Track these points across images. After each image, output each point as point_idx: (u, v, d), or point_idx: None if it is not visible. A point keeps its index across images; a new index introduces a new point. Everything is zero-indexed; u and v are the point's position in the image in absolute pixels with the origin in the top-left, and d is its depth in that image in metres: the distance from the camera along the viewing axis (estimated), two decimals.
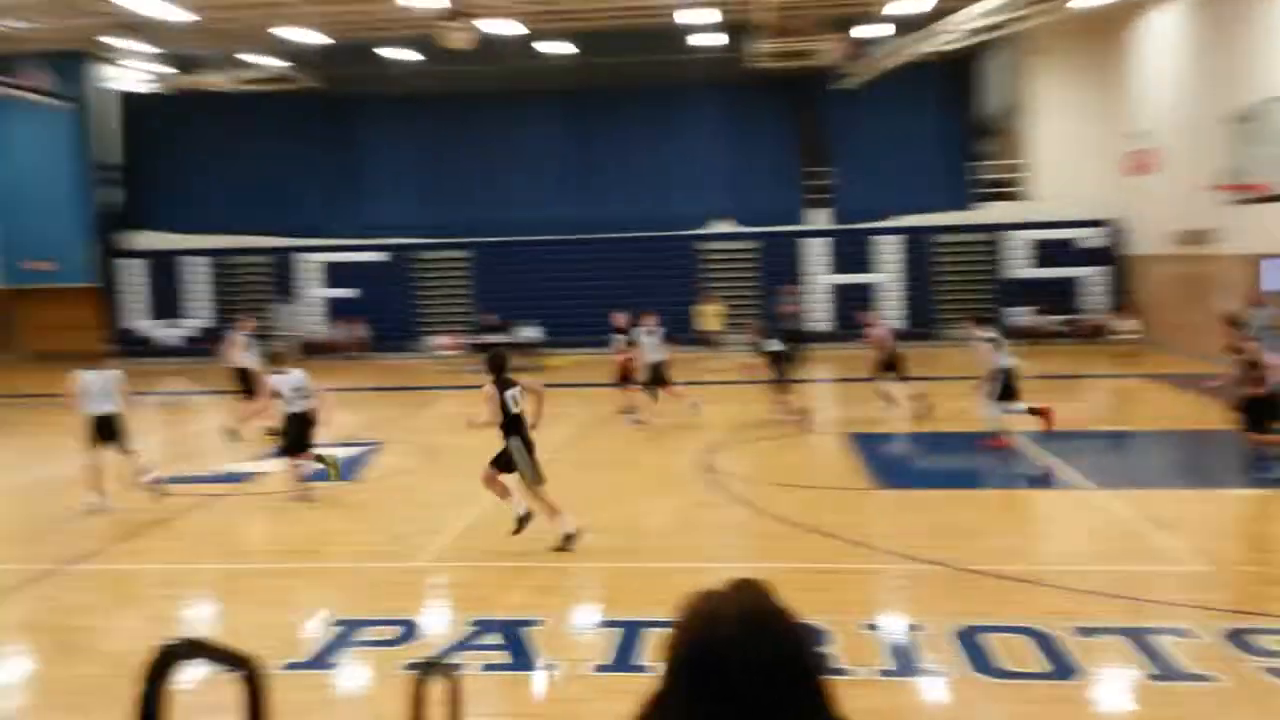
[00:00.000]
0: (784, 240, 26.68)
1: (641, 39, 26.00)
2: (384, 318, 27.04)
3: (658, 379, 15.03)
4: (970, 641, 6.19)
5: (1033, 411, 12.25)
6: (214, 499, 10.98)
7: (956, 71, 26.88)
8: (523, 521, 8.48)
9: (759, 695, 1.46)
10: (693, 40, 25.52)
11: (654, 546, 8.65)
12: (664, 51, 26.28)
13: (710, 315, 22.19)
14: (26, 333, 28.45)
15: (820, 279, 26.38)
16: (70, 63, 25.79)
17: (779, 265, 25.93)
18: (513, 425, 8.77)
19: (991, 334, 12.77)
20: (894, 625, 6.70)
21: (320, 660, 6.25)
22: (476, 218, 27.19)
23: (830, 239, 26.65)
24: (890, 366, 15.29)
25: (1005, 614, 6.68)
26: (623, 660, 6.08)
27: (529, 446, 8.74)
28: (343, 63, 26.93)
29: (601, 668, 6.00)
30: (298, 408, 10.71)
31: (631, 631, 6.47)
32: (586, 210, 27.22)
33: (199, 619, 7.50)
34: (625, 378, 15.60)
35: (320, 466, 10.75)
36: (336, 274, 27.58)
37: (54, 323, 27.92)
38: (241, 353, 14.72)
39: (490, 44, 23.43)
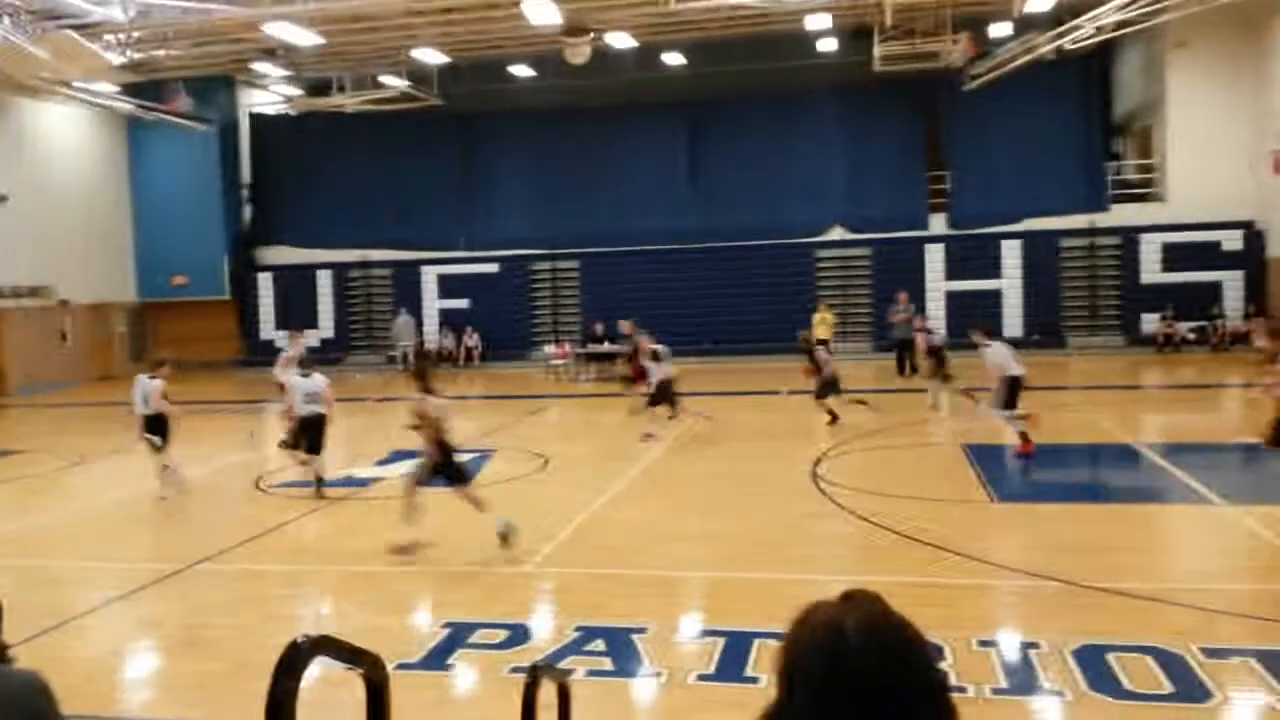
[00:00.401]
0: (901, 246, 26.14)
1: (756, 46, 25.92)
2: (496, 328, 27.61)
3: (665, 395, 14.84)
4: (1090, 661, 5.90)
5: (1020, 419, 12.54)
6: (333, 503, 11.34)
7: (1086, 68, 25.87)
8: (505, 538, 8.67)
9: (884, 710, 1.40)
10: (809, 45, 25.31)
11: (761, 556, 8.53)
12: (780, 58, 26.14)
13: (821, 324, 21.83)
14: (163, 344, 30.08)
15: (938, 286, 25.73)
16: (211, 87, 27.22)
17: (895, 272, 25.37)
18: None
19: (1000, 344, 13.16)
20: (1009, 642, 6.44)
21: (430, 661, 6.37)
22: (590, 229, 27.49)
23: (949, 244, 25.98)
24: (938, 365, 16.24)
25: (1128, 633, 6.35)
26: (727, 671, 6.01)
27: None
28: (461, 80, 27.70)
29: (704, 677, 5.94)
30: (305, 411, 11.68)
31: (736, 642, 6.39)
32: (700, 219, 27.23)
33: (316, 619, 7.75)
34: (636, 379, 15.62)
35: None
36: (451, 285, 28.28)
37: (189, 334, 29.47)
38: (284, 367, 14.12)
39: (605, 57, 23.74)
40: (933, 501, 10.35)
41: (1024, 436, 12.43)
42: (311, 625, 7.54)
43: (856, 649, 1.42)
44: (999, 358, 12.60)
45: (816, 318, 21.96)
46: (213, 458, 14.94)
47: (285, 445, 13.17)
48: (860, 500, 10.29)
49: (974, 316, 25.14)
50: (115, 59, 19.94)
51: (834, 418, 15.27)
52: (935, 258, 25.93)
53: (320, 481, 11.62)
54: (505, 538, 8.67)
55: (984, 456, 12.51)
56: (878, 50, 23.02)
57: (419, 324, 27.94)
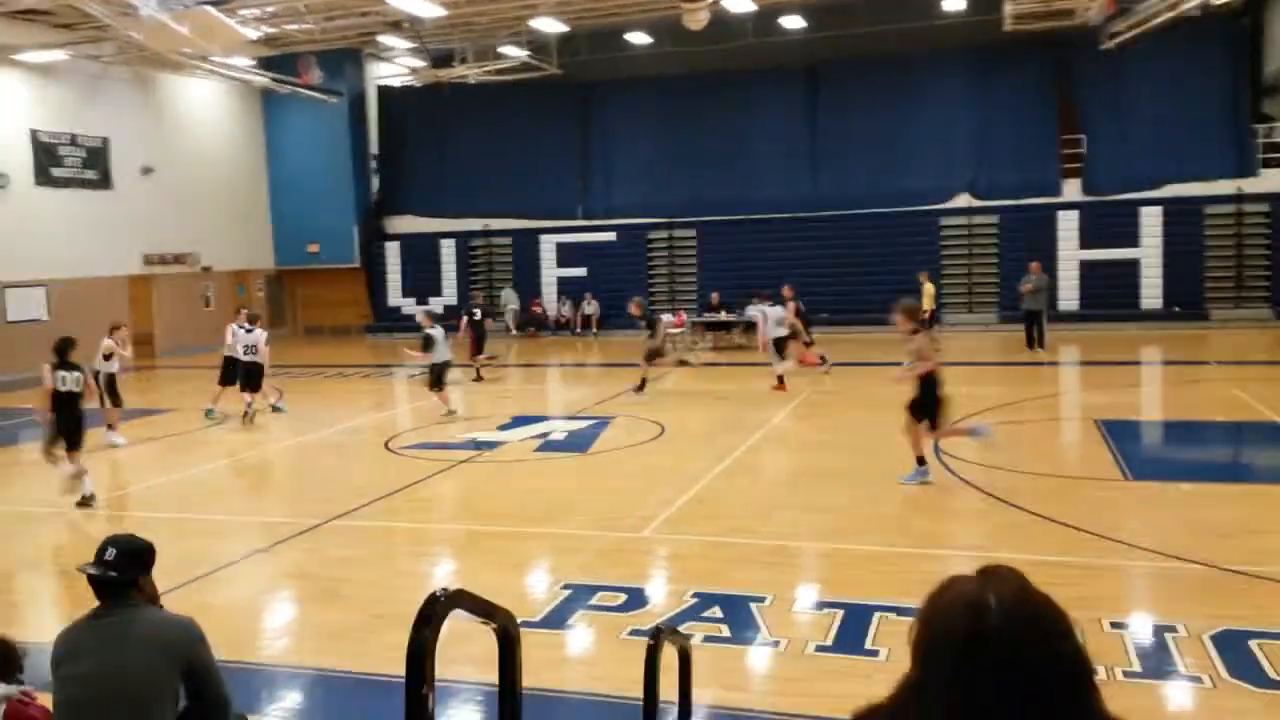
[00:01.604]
0: (1031, 214, 25.16)
1: (878, 7, 25.21)
2: (613, 296, 27.81)
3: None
4: (1231, 647, 5.62)
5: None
6: (459, 465, 11.68)
7: (1234, 25, 24.28)
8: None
9: (1029, 689, 1.36)
10: (935, 5, 24.48)
11: (881, 529, 8.41)
12: (904, 19, 25.37)
13: (928, 294, 21.18)
14: (297, 309, 31.42)
15: (1071, 255, 24.69)
16: (340, 60, 28.08)
17: (1026, 241, 24.44)
18: (62, 404, 10.29)
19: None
20: (1143, 625, 6.19)
21: (551, 620, 6.52)
22: (707, 196, 27.33)
23: (1083, 211, 24.88)
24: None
25: (1273, 619, 6.03)
26: (846, 642, 5.96)
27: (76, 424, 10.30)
28: (579, 49, 27.81)
29: (823, 648, 5.91)
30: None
31: (856, 614, 6.33)
32: (819, 187, 26.79)
33: (442, 575, 8.01)
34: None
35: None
36: (569, 254, 28.58)
37: (321, 300, 30.71)
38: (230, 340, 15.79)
39: (723, 21, 23.45)
40: (1063, 478, 10.00)
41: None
42: (441, 581, 7.81)
43: (998, 625, 1.38)
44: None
45: (924, 288, 21.28)
46: (343, 419, 15.55)
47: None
48: (986, 475, 10.02)
49: (1109, 287, 24.25)
50: (251, 34, 20.74)
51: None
52: (1068, 225, 24.87)
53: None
54: None
55: (1119, 433, 12.00)
56: (1009, 8, 22.06)
57: (530, 294, 28.45)
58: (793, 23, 25.40)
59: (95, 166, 24.44)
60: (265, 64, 26.13)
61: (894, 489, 9.71)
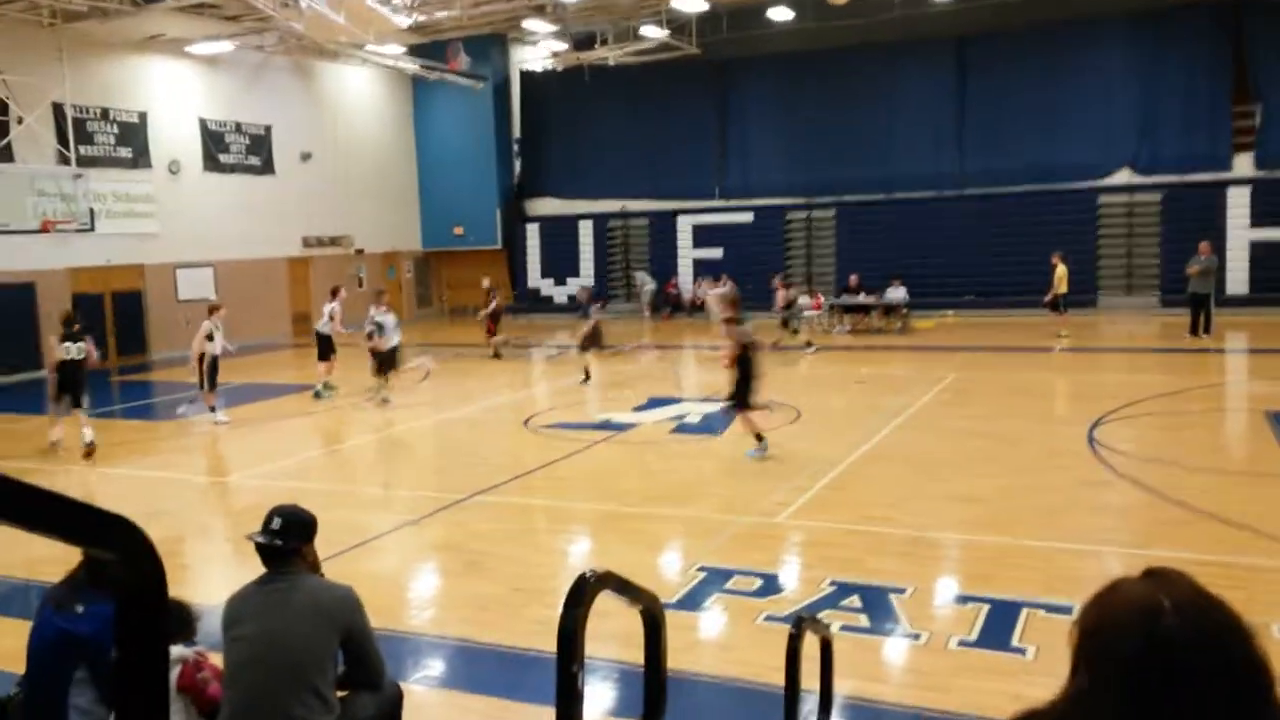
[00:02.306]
0: (1199, 190, 23.65)
1: None
2: (749, 278, 27.61)
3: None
4: None
5: None
6: (594, 445, 11.85)
7: None
8: None
9: (1208, 697, 1.29)
10: None
11: (1029, 522, 8.09)
12: None
13: (1060, 276, 20.13)
14: (442, 290, 32.45)
15: (1241, 235, 23.11)
16: (485, 45, 28.76)
17: (1190, 219, 22.99)
18: (66, 369, 11.92)
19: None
20: None
21: (686, 602, 6.55)
22: (847, 176, 26.81)
23: (1256, 188, 23.24)
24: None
25: None
26: (991, 638, 5.77)
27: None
28: (719, 27, 27.60)
29: (966, 643, 5.74)
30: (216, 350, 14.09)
31: (1003, 610, 6.13)
32: (967, 164, 25.91)
33: (579, 553, 8.16)
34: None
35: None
36: (705, 235, 28.51)
37: (465, 281, 31.61)
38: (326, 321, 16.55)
39: None
40: (1229, 474, 9.41)
41: None
42: (578, 558, 7.97)
43: (1176, 631, 1.31)
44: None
45: (1057, 269, 20.24)
46: (483, 397, 15.99)
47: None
48: (1145, 469, 9.52)
49: None
50: (403, 21, 21.44)
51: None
52: (1239, 202, 23.28)
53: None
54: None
55: None
56: None
57: (666, 275, 28.54)
58: None
59: (258, 153, 25.80)
60: (415, 51, 26.99)
61: (1044, 480, 9.35)
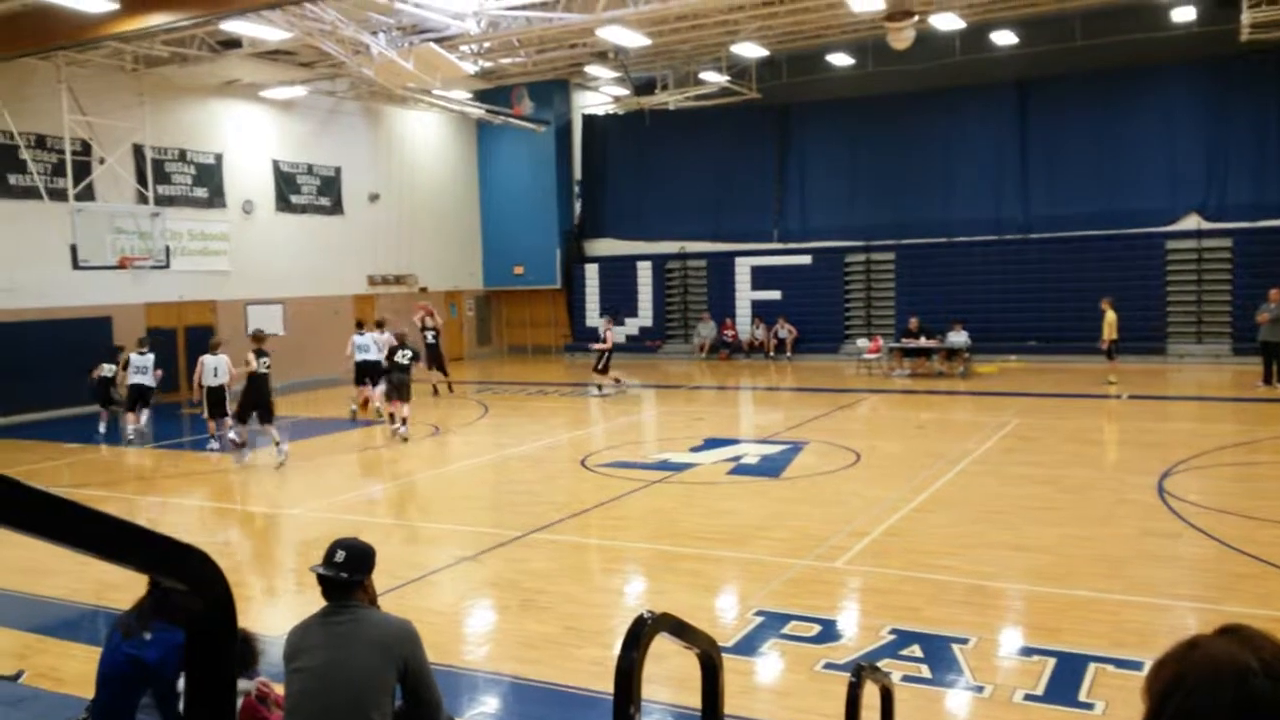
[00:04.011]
0: (1270, 236, 23.05)
1: (1096, 19, 23.93)
2: (807, 320, 27.51)
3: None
4: None
5: None
6: (651, 485, 11.83)
7: None
8: None
9: None
10: (1160, 16, 22.99)
11: (1094, 574, 7.88)
12: (1124, 31, 23.94)
13: (1109, 322, 19.70)
14: (502, 328, 32.83)
15: None
16: (548, 90, 29.33)
17: (1262, 266, 22.39)
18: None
19: None
20: None
21: (742, 646, 6.48)
22: (907, 219, 26.65)
23: None
24: None
25: None
26: (1058, 693, 5.60)
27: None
28: (778, 72, 27.81)
29: (1032, 697, 5.59)
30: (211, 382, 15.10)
31: (1070, 663, 5.96)
32: (1030, 208, 25.59)
33: (635, 594, 8.12)
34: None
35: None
36: (763, 277, 28.49)
37: (525, 320, 31.99)
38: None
39: (928, 39, 22.89)
40: None
41: None
42: (633, 599, 7.93)
43: (1266, 690, 1.27)
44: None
45: (1107, 315, 19.82)
46: (542, 435, 16.09)
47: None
48: (1218, 521, 9.22)
49: None
50: (469, 68, 21.93)
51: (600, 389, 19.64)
52: None
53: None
54: None
55: None
56: (1246, 17, 20.37)
57: (724, 316, 28.55)
58: (1003, 38, 24.46)
59: (328, 194, 26.48)
60: (480, 96, 27.59)
61: (1111, 529, 9.11)
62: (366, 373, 17.84)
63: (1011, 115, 25.97)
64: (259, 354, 14.19)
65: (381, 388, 17.17)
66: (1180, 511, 9.63)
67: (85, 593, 8.08)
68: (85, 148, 20.44)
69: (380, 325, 18.69)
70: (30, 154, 19.59)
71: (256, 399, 14.06)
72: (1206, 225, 23.91)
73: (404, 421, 15.49)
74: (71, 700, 4.79)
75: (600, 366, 20.58)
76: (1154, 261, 24.09)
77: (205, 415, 15.40)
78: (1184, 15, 22.80)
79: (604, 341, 20.63)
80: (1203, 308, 23.81)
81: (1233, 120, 23.65)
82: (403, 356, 15.69)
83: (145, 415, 16.58)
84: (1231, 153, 23.64)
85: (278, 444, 13.78)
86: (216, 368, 15.10)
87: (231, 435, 14.37)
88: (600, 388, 20.59)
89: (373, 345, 17.81)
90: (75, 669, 6.15)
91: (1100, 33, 24.22)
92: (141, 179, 21.51)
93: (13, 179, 19.44)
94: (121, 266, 20.69)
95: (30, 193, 19.59)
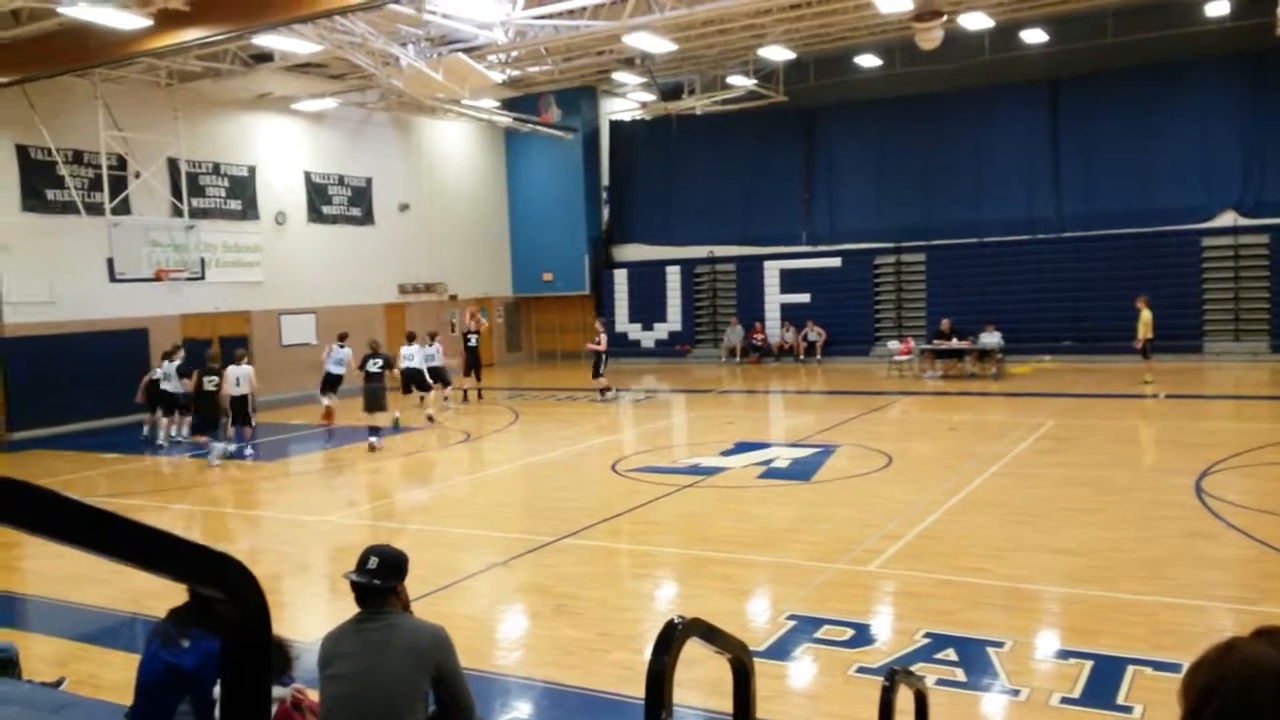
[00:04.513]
0: None
1: (1127, 16, 23.68)
2: (837, 322, 27.38)
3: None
4: None
5: None
6: (682, 490, 11.82)
7: None
8: None
9: None
10: (1193, 11, 22.70)
11: (1131, 576, 7.78)
12: (1156, 27, 23.67)
13: (1144, 321, 19.42)
14: (531, 335, 32.96)
15: None
16: (575, 97, 29.43)
17: None
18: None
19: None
20: None
21: (775, 651, 6.45)
22: (937, 220, 26.48)
23: None
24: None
25: None
26: (1095, 696, 5.54)
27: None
28: (805, 75, 27.72)
29: (1069, 700, 5.52)
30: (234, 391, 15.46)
31: (1107, 666, 5.88)
32: (1062, 207, 25.36)
33: (666, 598, 8.12)
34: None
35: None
36: (792, 280, 28.39)
37: (554, 326, 32.09)
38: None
39: (956, 39, 22.74)
40: None
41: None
42: (665, 604, 7.93)
43: None
44: None
45: (1142, 313, 19.54)
46: (572, 440, 16.12)
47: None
48: (1258, 521, 9.07)
49: None
50: (497, 77, 22.07)
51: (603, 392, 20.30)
52: None
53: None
54: None
55: None
56: (1276, 12, 20.06)
57: (752, 320, 28.47)
58: (1034, 36, 24.25)
59: (360, 204, 26.72)
60: (508, 104, 27.73)
61: (1149, 531, 8.98)
62: (411, 380, 18.79)
63: (1043, 113, 25.73)
64: (370, 356, 15.99)
65: (432, 393, 18.65)
66: (1219, 512, 9.49)
67: (124, 601, 8.20)
68: (121, 162, 20.77)
69: (433, 336, 19.96)
70: (68, 169, 19.95)
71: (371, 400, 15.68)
72: (1243, 222, 23.55)
73: (374, 431, 15.52)
74: (111, 707, 4.86)
75: (598, 372, 20.77)
76: (1190, 259, 23.77)
77: (228, 424, 15.60)
78: (1217, 10, 22.51)
79: (598, 344, 20.72)
80: (1240, 305, 23.46)
81: (1268, 115, 23.29)
82: (373, 365, 15.79)
83: (178, 422, 17.12)
84: (1268, 148, 23.29)
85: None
86: (239, 378, 15.37)
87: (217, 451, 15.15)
88: (603, 393, 20.59)
89: (418, 354, 18.76)
90: (114, 676, 6.24)
91: (1132, 29, 23.96)
92: (176, 192, 21.81)
93: (51, 194, 19.80)
94: (158, 279, 20.98)
95: (68, 207, 19.94)
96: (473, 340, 21.84)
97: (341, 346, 17.87)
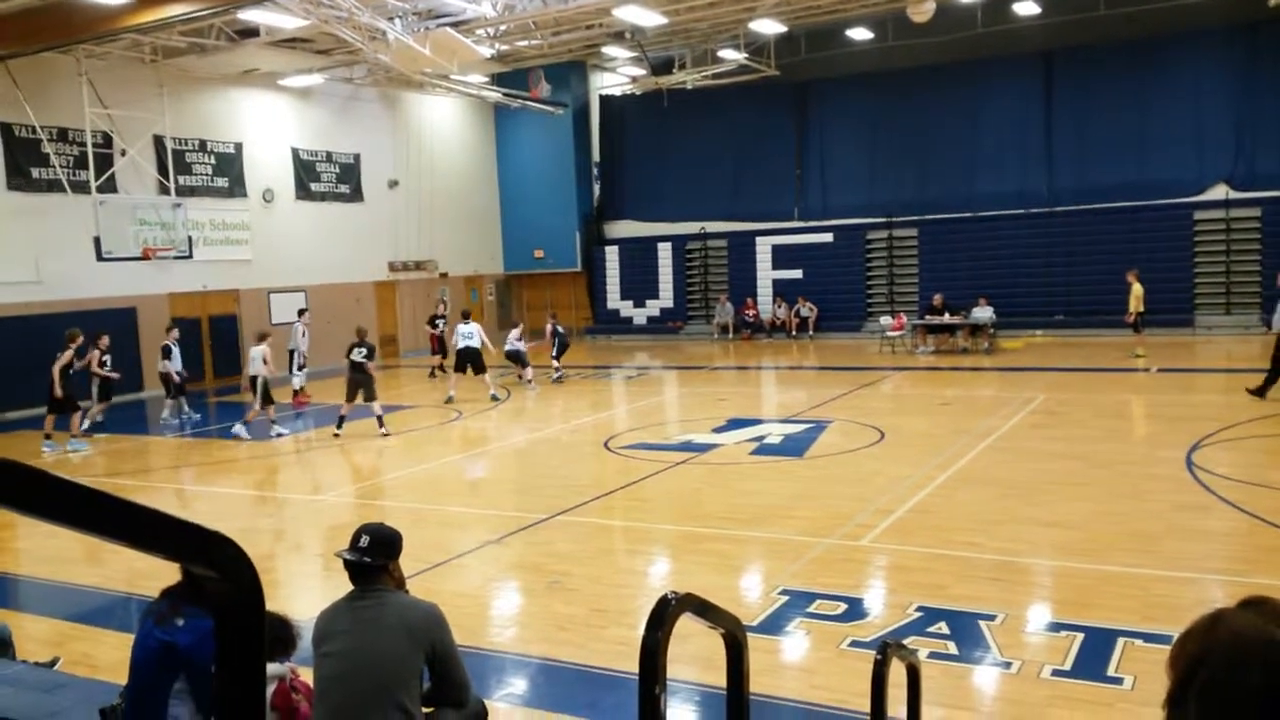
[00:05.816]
0: None
1: None
2: (829, 298, 27.38)
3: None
4: None
5: None
6: (675, 467, 11.84)
7: None
8: None
9: None
10: None
11: (1122, 548, 7.83)
12: (1146, 0, 23.57)
13: (1136, 295, 19.48)
14: (523, 312, 32.89)
15: None
16: (565, 72, 29.22)
17: None
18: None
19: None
20: None
21: (768, 625, 6.48)
22: (929, 195, 26.45)
23: None
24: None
25: None
26: (1086, 668, 5.58)
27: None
28: (797, 48, 27.56)
29: (1060, 673, 5.57)
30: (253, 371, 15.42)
31: (1098, 638, 5.93)
32: (1054, 180, 25.33)
33: (659, 574, 8.15)
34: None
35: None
36: (784, 255, 28.36)
37: (545, 303, 32.01)
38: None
39: (949, 11, 22.61)
40: None
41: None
42: (658, 580, 7.95)
43: None
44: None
45: (1134, 287, 19.58)
46: (566, 418, 16.12)
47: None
48: (1248, 494, 9.13)
49: None
50: (486, 51, 21.89)
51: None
52: None
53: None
54: None
55: None
56: None
57: (744, 296, 28.45)
58: (1026, 9, 24.13)
59: (348, 181, 26.56)
60: (497, 80, 27.52)
61: (1140, 504, 9.04)
62: (468, 360, 18.27)
63: (1036, 86, 25.66)
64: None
65: (489, 375, 18.43)
66: (1209, 485, 9.55)
67: (118, 581, 8.20)
68: (106, 140, 20.59)
69: (466, 316, 19.16)
70: (53, 147, 19.76)
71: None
72: (1235, 195, 23.58)
73: (340, 420, 15.05)
74: (105, 686, 4.87)
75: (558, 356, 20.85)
76: (1181, 232, 23.81)
77: (257, 405, 15.43)
78: None
79: (525, 343, 20.31)
80: (1231, 278, 23.52)
81: (1261, 88, 23.27)
82: (357, 354, 15.42)
83: (175, 401, 17.12)
84: (1260, 121, 23.28)
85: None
86: (254, 357, 15.38)
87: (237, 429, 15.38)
88: (526, 378, 19.70)
89: (476, 333, 18.36)
90: (109, 655, 6.24)
91: (1125, 1, 23.85)
92: (162, 170, 21.64)
93: (36, 172, 19.62)
94: (145, 257, 20.87)
95: (54, 186, 19.77)
96: (440, 325, 22.13)
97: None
